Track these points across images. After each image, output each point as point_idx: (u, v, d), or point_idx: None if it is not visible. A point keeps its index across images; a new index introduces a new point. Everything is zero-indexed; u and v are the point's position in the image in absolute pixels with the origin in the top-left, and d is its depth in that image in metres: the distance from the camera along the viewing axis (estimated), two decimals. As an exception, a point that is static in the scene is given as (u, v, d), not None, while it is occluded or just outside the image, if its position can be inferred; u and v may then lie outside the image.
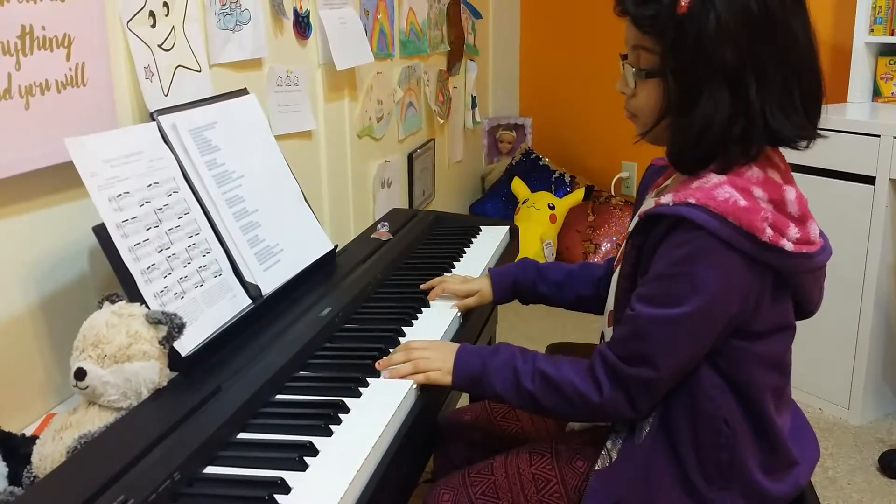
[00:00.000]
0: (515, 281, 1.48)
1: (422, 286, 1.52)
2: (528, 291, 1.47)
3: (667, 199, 1.04)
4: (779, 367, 1.12)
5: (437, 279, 1.52)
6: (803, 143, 1.09)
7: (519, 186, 3.55)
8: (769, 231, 1.00)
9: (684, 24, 1.02)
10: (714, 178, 1.04)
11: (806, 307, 1.15)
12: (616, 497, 1.12)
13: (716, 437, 1.08)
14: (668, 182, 1.22)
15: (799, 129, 1.06)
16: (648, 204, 1.11)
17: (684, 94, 1.04)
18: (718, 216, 1.00)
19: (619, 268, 1.18)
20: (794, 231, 1.03)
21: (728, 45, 1.01)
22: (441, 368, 1.19)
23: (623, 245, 1.21)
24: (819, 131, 1.09)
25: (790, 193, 1.05)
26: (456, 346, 1.22)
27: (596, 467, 1.14)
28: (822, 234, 1.10)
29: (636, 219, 1.11)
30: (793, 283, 1.08)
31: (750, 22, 1.01)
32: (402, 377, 1.18)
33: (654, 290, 1.06)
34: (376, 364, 1.21)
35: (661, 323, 1.04)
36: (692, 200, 1.01)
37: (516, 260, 1.55)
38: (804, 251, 1.03)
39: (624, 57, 1.13)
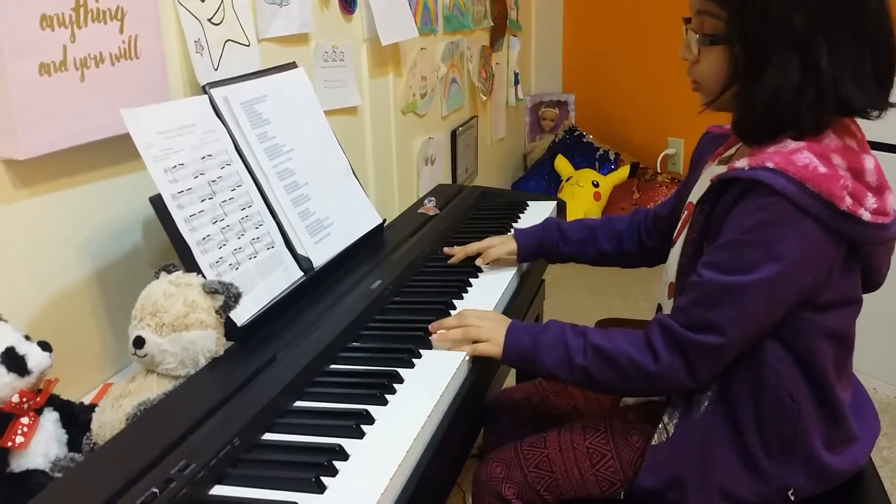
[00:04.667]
0: (540, 242, 1.48)
1: (445, 249, 1.54)
2: (553, 252, 1.48)
3: (742, 163, 1.01)
4: (843, 339, 1.09)
5: (458, 247, 1.54)
6: (875, 113, 1.04)
7: (562, 164, 3.51)
8: (848, 200, 0.97)
9: None
10: (792, 144, 1.00)
11: (874, 279, 1.11)
12: (673, 472, 1.10)
13: (780, 411, 1.06)
14: (731, 151, 1.19)
15: (870, 98, 1.02)
16: (717, 170, 1.08)
17: (752, 62, 1.01)
18: (797, 182, 0.96)
19: (681, 236, 1.15)
20: (871, 201, 0.99)
21: (797, 10, 0.97)
22: (491, 339, 1.18)
23: (685, 216, 1.18)
24: (891, 101, 1.04)
25: (869, 162, 1.02)
26: (509, 320, 1.21)
27: (652, 442, 1.13)
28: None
29: (707, 184, 1.08)
30: (865, 254, 1.05)
31: None
32: (450, 342, 1.18)
33: (724, 257, 1.02)
34: (430, 326, 1.21)
35: (732, 290, 1.01)
36: (770, 165, 0.98)
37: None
38: (880, 221, 1.00)
39: (687, 21, 1.10)
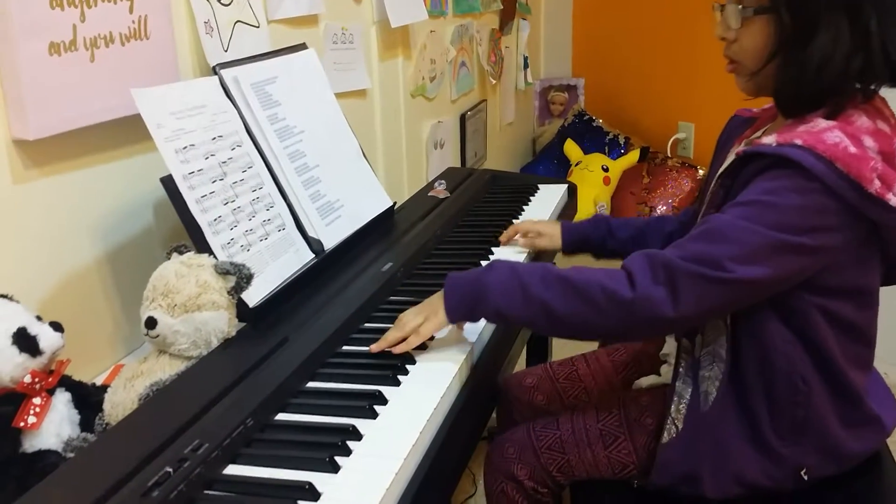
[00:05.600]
0: (586, 237, 1.47)
1: (500, 238, 1.54)
2: (599, 247, 1.46)
3: (769, 139, 0.99)
4: (852, 328, 1.07)
5: (511, 227, 1.54)
6: None
7: (571, 148, 3.49)
8: (877, 182, 0.95)
9: None
10: (823, 123, 0.99)
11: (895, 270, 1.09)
12: (687, 469, 1.09)
13: (792, 395, 1.05)
14: (758, 133, 1.17)
15: None
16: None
17: (800, 28, 0.99)
18: (826, 160, 0.94)
19: (700, 216, 1.14)
20: None
21: None
22: (429, 315, 1.10)
23: (708, 193, 1.16)
24: None
25: None
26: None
27: (662, 440, 1.11)
28: None
29: (732, 157, 1.06)
30: (888, 240, 1.03)
31: None
32: (394, 345, 1.10)
33: (736, 209, 0.99)
34: (370, 348, 1.11)
35: (740, 229, 0.96)
36: (799, 142, 0.96)
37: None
38: None
39: (720, 7, 1.08)
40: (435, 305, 1.11)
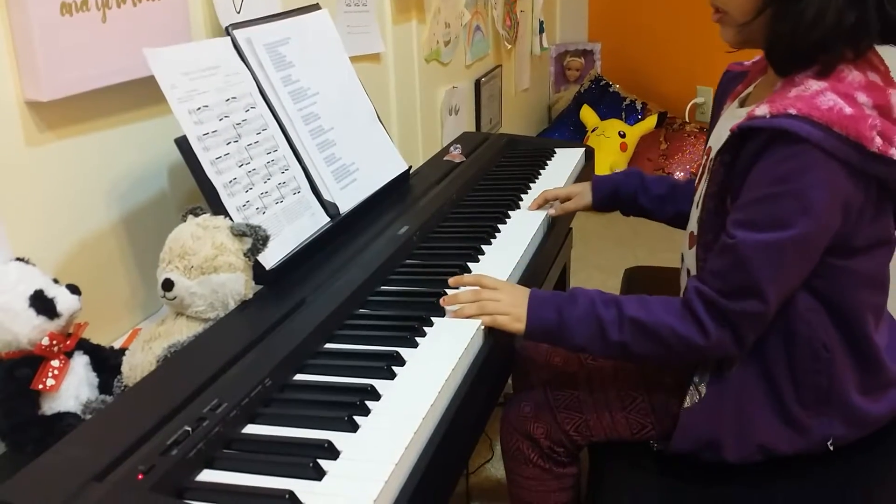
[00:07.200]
0: (617, 189, 1.44)
1: (529, 206, 1.52)
2: (629, 202, 1.44)
3: (762, 110, 0.96)
4: (876, 282, 1.06)
5: (539, 195, 1.52)
6: None
7: (588, 114, 3.45)
8: (878, 140, 0.93)
9: None
10: (814, 85, 0.96)
11: None
12: (709, 435, 1.08)
13: (814, 363, 1.04)
14: (750, 89, 1.15)
15: None
16: (736, 116, 1.03)
17: None
18: (823, 126, 0.92)
19: (701, 186, 1.12)
20: None
21: None
22: (511, 314, 1.09)
23: (705, 161, 1.14)
24: None
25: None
26: (527, 291, 1.12)
27: (685, 405, 1.10)
28: None
29: (726, 133, 1.03)
30: None
31: None
32: (466, 317, 1.09)
33: (756, 213, 0.97)
34: (441, 301, 1.12)
35: (768, 249, 0.96)
36: (793, 111, 0.93)
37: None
38: None
39: None
40: (518, 306, 1.10)
